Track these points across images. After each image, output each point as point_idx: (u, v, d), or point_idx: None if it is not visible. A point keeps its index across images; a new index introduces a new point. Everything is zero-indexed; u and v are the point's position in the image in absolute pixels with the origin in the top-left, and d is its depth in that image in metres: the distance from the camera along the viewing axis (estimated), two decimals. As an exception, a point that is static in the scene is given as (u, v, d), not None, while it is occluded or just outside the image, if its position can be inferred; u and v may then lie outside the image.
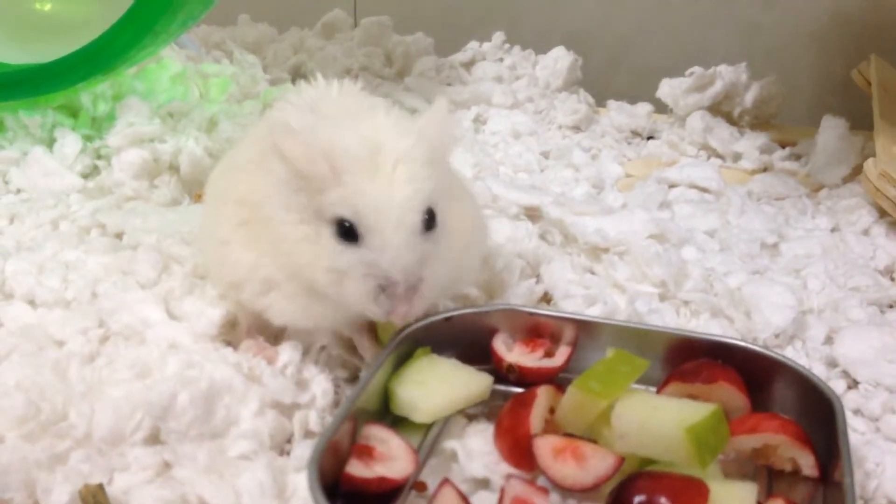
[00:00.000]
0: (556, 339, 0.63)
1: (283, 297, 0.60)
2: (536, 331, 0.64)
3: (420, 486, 0.53)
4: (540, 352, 0.63)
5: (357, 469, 0.51)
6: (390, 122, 0.59)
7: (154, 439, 0.57)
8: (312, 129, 0.58)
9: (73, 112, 1.01)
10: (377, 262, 0.55)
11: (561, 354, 0.63)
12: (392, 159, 0.56)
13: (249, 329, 0.66)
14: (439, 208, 0.58)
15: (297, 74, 1.28)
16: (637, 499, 0.48)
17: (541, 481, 0.53)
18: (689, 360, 0.60)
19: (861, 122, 1.05)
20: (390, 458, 0.52)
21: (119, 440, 0.56)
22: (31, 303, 0.72)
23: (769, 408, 0.58)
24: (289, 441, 0.59)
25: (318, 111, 0.62)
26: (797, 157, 1.09)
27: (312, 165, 0.55)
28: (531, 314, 0.64)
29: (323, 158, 0.55)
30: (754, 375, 0.59)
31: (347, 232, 0.55)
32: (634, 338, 0.62)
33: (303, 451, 0.57)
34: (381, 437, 0.53)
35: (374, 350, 0.63)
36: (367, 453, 0.52)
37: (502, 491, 0.49)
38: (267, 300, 0.61)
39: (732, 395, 0.57)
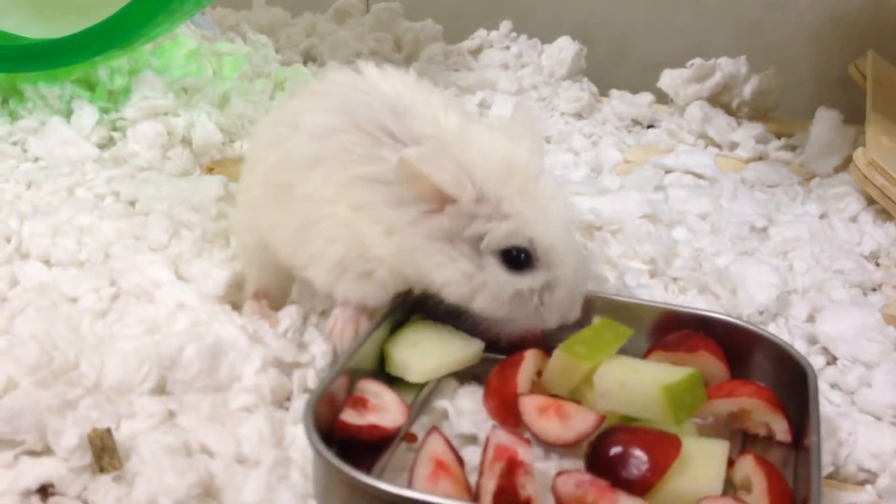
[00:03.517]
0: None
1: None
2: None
3: (411, 438, 0.56)
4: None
5: (351, 417, 0.53)
6: (488, 131, 0.60)
7: (160, 390, 0.60)
8: (442, 149, 0.57)
9: (91, 85, 1.04)
10: (560, 281, 0.58)
11: (550, 323, 0.65)
12: (524, 173, 0.57)
13: (256, 293, 0.69)
14: None
15: (309, 57, 1.31)
16: (613, 450, 0.50)
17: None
18: (673, 333, 0.62)
19: (857, 117, 1.06)
20: (383, 409, 0.54)
21: (127, 390, 0.59)
22: (47, 262, 0.74)
23: (748, 377, 0.60)
24: (288, 398, 0.62)
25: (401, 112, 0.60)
26: (792, 148, 1.10)
27: (458, 190, 0.56)
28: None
29: (468, 183, 0.56)
30: (734, 347, 0.61)
31: (521, 260, 0.58)
32: (622, 310, 0.63)
33: (301, 405, 0.59)
34: (374, 390, 0.56)
35: None
36: (361, 404, 0.54)
37: (487, 440, 0.51)
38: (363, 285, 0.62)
39: (712, 364, 0.60)
